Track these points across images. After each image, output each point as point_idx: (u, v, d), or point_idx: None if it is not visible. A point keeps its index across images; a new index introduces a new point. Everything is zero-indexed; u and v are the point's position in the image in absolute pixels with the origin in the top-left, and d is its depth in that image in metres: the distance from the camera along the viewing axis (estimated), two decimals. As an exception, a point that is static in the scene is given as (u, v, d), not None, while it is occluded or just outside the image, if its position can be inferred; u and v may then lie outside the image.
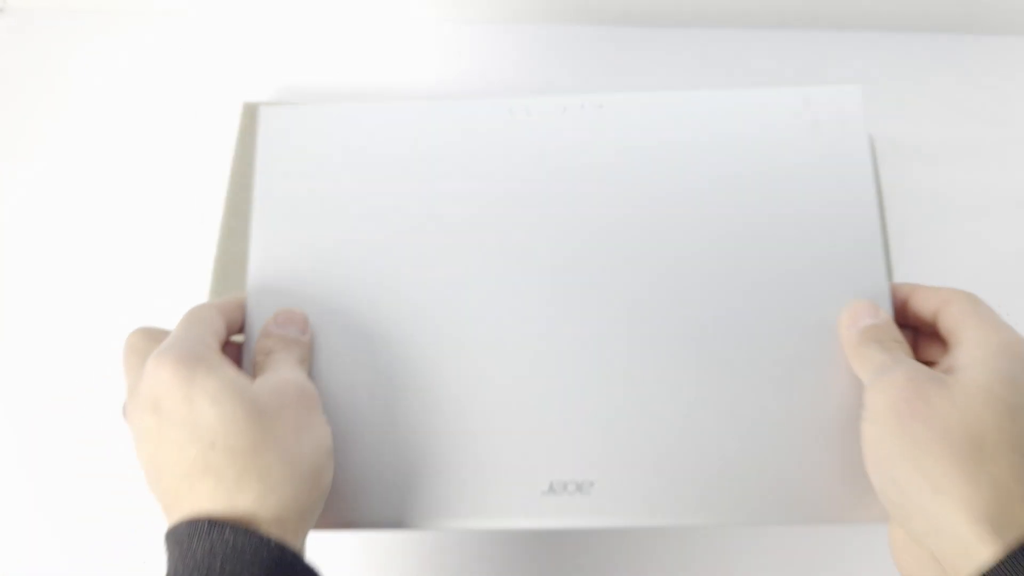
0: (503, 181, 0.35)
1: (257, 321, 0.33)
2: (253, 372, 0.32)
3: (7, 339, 0.47)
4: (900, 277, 0.46)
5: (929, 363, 0.30)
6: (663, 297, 0.33)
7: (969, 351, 0.28)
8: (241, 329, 0.34)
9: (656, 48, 0.57)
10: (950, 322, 0.30)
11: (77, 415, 0.45)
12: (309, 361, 0.32)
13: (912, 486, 0.26)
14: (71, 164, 0.53)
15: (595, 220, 0.34)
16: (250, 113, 0.51)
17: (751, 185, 0.34)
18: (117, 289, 0.49)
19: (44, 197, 0.52)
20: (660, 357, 0.32)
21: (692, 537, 0.41)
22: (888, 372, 0.28)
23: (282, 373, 0.30)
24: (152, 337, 0.32)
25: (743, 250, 0.33)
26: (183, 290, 0.48)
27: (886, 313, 0.31)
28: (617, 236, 0.34)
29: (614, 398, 0.32)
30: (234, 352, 0.33)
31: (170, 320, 0.46)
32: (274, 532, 0.26)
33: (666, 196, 0.34)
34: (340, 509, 0.31)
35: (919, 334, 0.33)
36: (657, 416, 0.31)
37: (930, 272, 0.48)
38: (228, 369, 0.29)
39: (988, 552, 0.24)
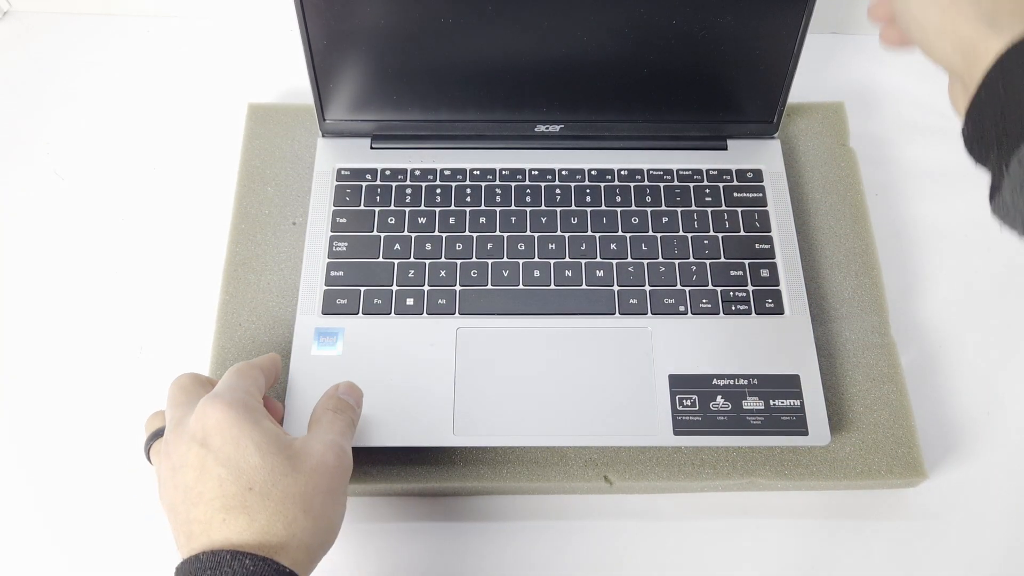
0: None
1: None
2: (310, 421, 0.36)
3: (8, 339, 0.47)
4: (891, 288, 0.48)
5: None
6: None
7: None
8: (276, 383, 0.40)
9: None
10: None
11: (78, 415, 0.45)
12: (355, 430, 0.38)
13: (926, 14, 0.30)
14: (76, 165, 0.53)
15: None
16: (255, 114, 0.52)
17: None
18: (120, 290, 0.48)
19: (49, 197, 0.52)
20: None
21: (695, 534, 0.42)
22: None
23: (331, 437, 0.34)
24: (200, 382, 0.36)
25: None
26: (189, 292, 0.48)
27: None
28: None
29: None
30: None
31: (177, 323, 0.47)
32: (289, 568, 0.30)
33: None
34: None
35: None
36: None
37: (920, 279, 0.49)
38: (272, 424, 0.33)
39: (993, 46, 0.27)
